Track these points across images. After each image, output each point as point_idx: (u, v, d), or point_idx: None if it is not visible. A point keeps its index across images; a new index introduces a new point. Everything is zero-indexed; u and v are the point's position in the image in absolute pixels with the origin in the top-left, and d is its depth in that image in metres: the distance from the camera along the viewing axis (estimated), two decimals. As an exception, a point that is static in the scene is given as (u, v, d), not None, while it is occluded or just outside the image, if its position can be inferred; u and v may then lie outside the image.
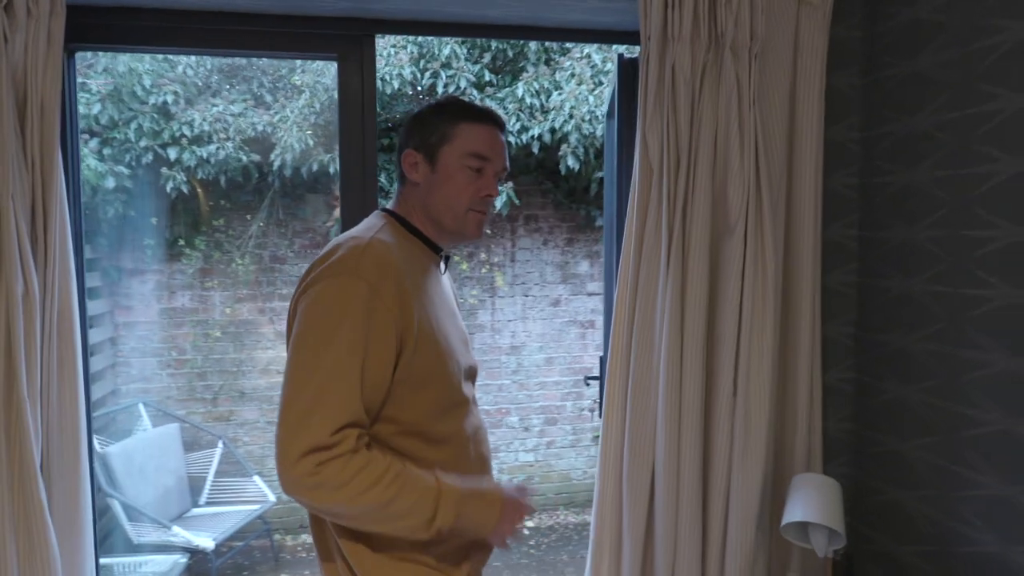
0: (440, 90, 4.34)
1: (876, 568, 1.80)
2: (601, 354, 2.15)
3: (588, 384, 2.67)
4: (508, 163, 1.32)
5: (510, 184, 4.53)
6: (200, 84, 4.40)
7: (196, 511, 4.20)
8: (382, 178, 4.33)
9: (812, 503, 1.53)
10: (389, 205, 1.34)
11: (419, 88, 4.44)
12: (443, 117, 1.27)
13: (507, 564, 4.19)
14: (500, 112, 1.33)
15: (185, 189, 4.30)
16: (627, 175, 1.95)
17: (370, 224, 1.26)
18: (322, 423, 1.07)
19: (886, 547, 1.76)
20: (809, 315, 1.73)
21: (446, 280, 1.38)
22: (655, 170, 1.67)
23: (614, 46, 1.94)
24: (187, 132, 4.22)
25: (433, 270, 1.30)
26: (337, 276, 1.13)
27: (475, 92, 4.43)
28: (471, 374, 1.36)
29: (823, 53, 1.69)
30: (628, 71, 1.93)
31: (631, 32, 1.89)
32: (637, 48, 1.88)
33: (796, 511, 1.54)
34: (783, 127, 1.70)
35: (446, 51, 4.32)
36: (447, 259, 1.36)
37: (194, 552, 3.77)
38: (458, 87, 4.33)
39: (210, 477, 4.39)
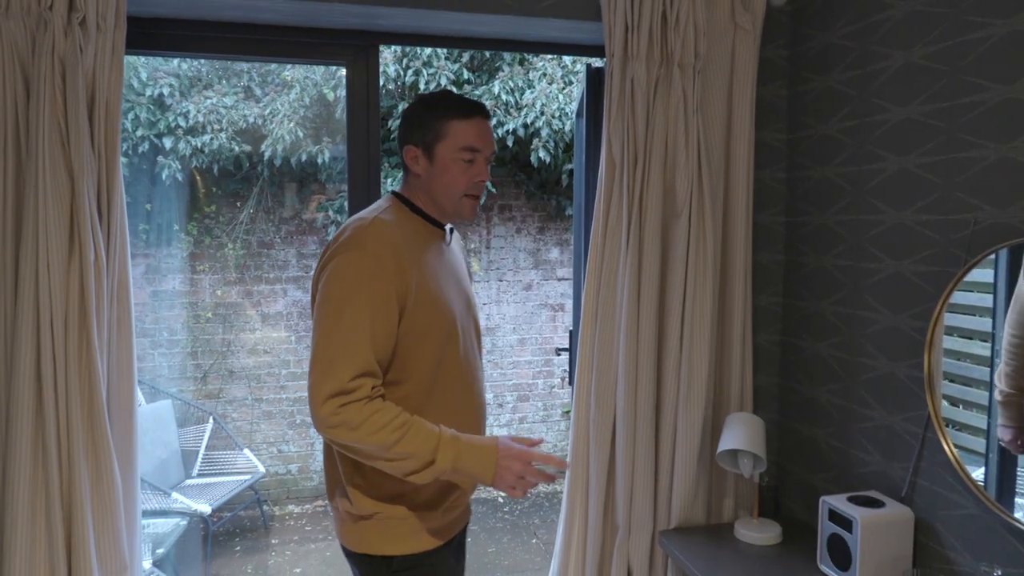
0: (422, 87, 4.64)
1: (797, 495, 2.17)
2: (571, 329, 2.49)
3: (559, 354, 3.02)
4: (495, 147, 1.55)
5: (486, 176, 4.85)
6: (193, 77, 4.64)
7: (189, 481, 4.46)
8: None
9: (741, 435, 1.89)
10: (398, 188, 1.59)
11: (402, 84, 4.73)
12: (436, 115, 1.47)
13: (483, 527, 4.53)
14: (485, 103, 1.63)
15: (180, 177, 4.54)
16: (593, 168, 2.29)
17: (376, 206, 1.52)
18: (343, 371, 1.32)
19: (804, 477, 2.14)
20: (742, 286, 2.09)
21: (455, 249, 1.63)
22: (617, 165, 2.01)
23: (583, 57, 2.27)
24: (182, 123, 4.47)
25: (435, 242, 1.53)
26: (348, 252, 1.39)
27: (454, 89, 4.74)
28: (476, 331, 1.62)
29: (754, 70, 2.04)
30: (595, 79, 2.26)
31: (597, 46, 2.22)
32: (602, 59, 2.22)
33: (728, 441, 1.91)
34: (721, 130, 2.06)
35: (427, 50, 4.62)
36: (452, 231, 1.60)
37: (191, 518, 4.05)
38: (439, 84, 4.63)
39: (202, 450, 4.65)
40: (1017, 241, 1.43)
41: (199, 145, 4.51)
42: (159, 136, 4.46)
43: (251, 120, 4.60)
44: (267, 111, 4.61)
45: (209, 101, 4.52)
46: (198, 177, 4.73)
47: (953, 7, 1.60)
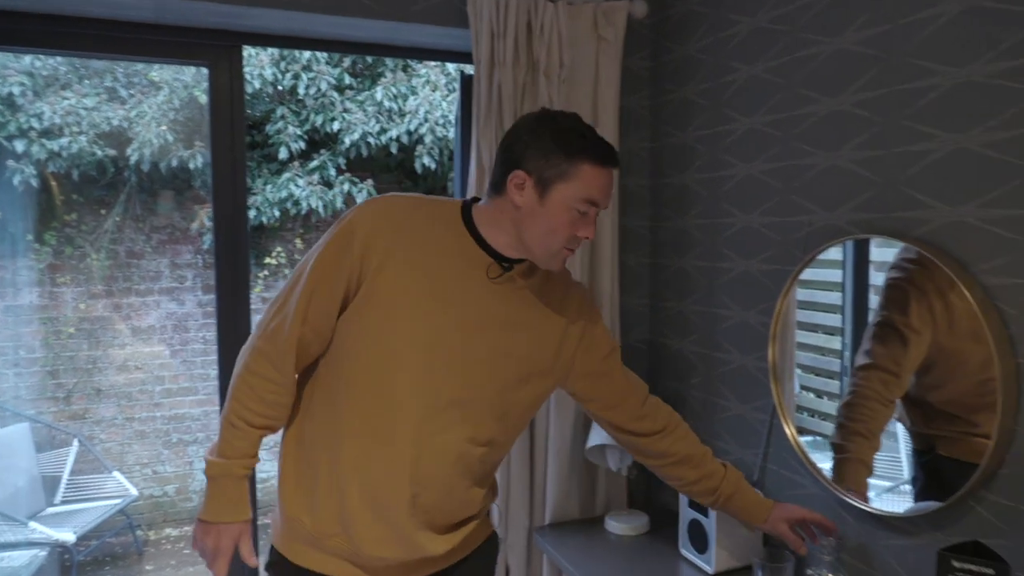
0: (301, 91, 4.53)
1: (666, 486, 2.27)
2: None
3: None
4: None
5: (370, 182, 4.80)
6: (49, 76, 4.33)
7: (52, 509, 4.15)
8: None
9: (608, 430, 1.96)
10: (482, 200, 1.34)
11: (280, 88, 4.60)
12: (568, 151, 1.21)
13: (372, 539, 4.46)
14: (615, 150, 1.29)
15: (34, 183, 4.23)
16: (468, 175, 2.31)
17: (428, 196, 1.33)
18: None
19: (671, 469, 2.24)
20: (610, 288, 2.17)
21: (527, 300, 1.33)
22: (487, 169, 2.04)
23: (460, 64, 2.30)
24: (36, 124, 4.17)
25: (464, 267, 1.27)
26: (346, 213, 1.29)
27: (336, 95, 4.67)
28: (448, 393, 1.26)
29: (617, 79, 2.13)
30: (468, 85, 2.29)
31: (468, 53, 2.25)
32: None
33: (596, 436, 1.97)
34: (587, 137, 2.13)
35: (307, 54, 4.53)
36: (509, 268, 1.30)
37: (52, 548, 3.76)
38: (319, 89, 4.54)
39: (65, 475, 4.34)
40: (841, 240, 1.56)
41: (56, 149, 4.22)
42: (9, 139, 4.14)
43: (115, 123, 4.35)
44: (133, 113, 4.37)
45: (67, 102, 4.24)
46: (54, 183, 4.42)
47: (790, 25, 1.73)
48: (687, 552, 1.81)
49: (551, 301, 1.38)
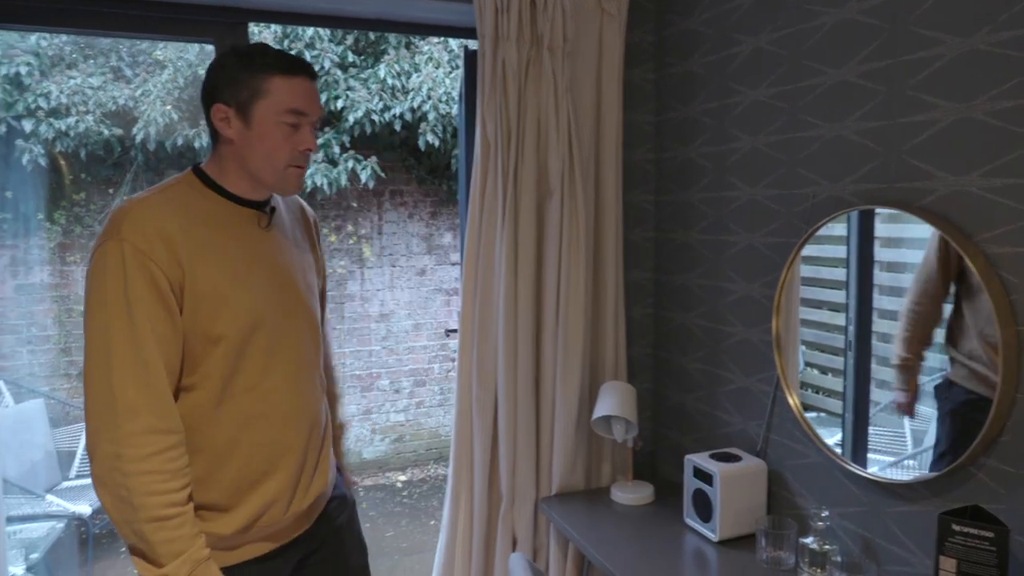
0: (305, 69, 4.51)
1: (670, 456, 2.30)
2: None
3: (448, 336, 3.05)
4: (324, 111, 1.41)
5: (374, 159, 4.80)
6: (55, 56, 4.33)
7: (67, 483, 4.22)
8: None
9: (613, 401, 1.99)
10: (204, 162, 1.33)
11: (284, 66, 4.58)
12: (253, 70, 1.23)
13: (382, 512, 4.53)
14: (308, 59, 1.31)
15: (43, 162, 4.25)
16: (473, 150, 2.32)
17: (157, 186, 1.27)
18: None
19: (676, 440, 2.27)
20: (613, 262, 2.18)
21: (285, 229, 1.39)
22: (491, 145, 2.05)
23: (463, 40, 2.30)
24: (43, 104, 4.18)
25: (241, 226, 1.29)
26: (101, 244, 1.15)
27: (339, 72, 4.66)
28: (309, 321, 1.37)
29: (621, 53, 2.12)
30: (471, 61, 2.29)
31: (472, 28, 2.25)
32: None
33: (602, 408, 2.00)
34: (591, 112, 2.13)
35: (309, 32, 4.51)
36: (273, 210, 1.35)
37: (69, 520, 3.83)
38: (322, 67, 4.53)
39: (80, 450, 4.40)
40: (844, 211, 1.57)
41: (63, 128, 4.23)
42: (17, 118, 4.16)
43: (121, 102, 4.36)
44: (138, 92, 4.38)
45: (73, 81, 4.24)
46: (62, 162, 4.44)
47: (793, -4, 1.72)
48: (691, 521, 1.84)
49: (296, 225, 1.47)
